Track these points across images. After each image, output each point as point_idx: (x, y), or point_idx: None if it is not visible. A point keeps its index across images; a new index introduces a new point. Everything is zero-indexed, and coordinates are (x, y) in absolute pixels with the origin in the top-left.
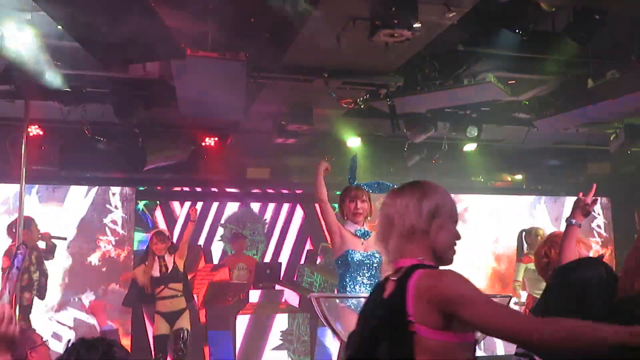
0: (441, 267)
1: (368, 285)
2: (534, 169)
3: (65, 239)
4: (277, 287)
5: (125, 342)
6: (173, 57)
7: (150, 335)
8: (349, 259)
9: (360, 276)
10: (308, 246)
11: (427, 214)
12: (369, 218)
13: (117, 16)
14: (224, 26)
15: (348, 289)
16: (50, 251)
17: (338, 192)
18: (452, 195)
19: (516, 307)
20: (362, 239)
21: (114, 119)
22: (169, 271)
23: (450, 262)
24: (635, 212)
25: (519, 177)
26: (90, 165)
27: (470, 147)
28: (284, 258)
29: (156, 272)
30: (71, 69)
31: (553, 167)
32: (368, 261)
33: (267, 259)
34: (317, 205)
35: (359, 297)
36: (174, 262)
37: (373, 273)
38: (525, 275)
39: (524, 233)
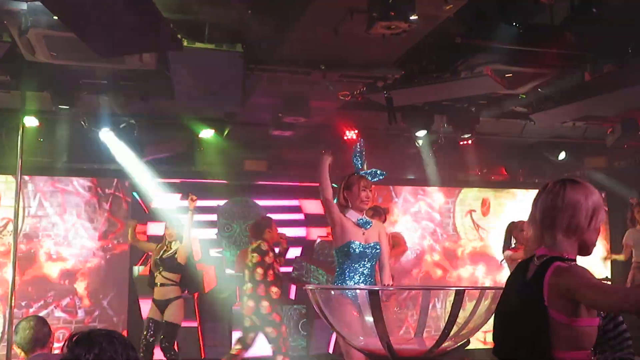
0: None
1: (368, 276)
2: (531, 162)
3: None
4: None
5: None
6: (170, 48)
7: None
8: (350, 249)
9: (360, 267)
10: (304, 238)
11: (590, 212)
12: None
13: (113, 7)
14: (221, 17)
15: (347, 279)
16: (283, 253)
17: (334, 185)
18: (447, 189)
19: None
20: (363, 229)
21: (110, 110)
22: (164, 257)
23: (589, 254)
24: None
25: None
26: (87, 157)
27: (467, 140)
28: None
29: (157, 255)
30: (67, 60)
31: (550, 161)
32: (369, 252)
33: None
34: (319, 201)
35: (355, 289)
36: (176, 251)
37: (373, 264)
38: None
39: (511, 224)
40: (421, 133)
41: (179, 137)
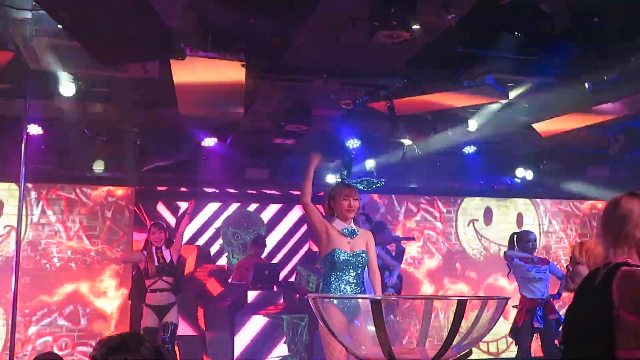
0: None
1: (353, 285)
2: (534, 171)
3: (414, 239)
4: (276, 288)
5: None
6: (173, 57)
7: None
8: (335, 258)
9: (345, 275)
10: (307, 247)
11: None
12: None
13: (117, 16)
14: (224, 26)
15: (333, 287)
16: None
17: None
18: (449, 198)
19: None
20: (348, 238)
21: (113, 118)
22: (166, 263)
23: None
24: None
25: (517, 179)
26: (90, 165)
27: (469, 149)
28: (283, 259)
29: (154, 264)
30: (71, 68)
31: (552, 170)
32: (354, 260)
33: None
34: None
35: (357, 298)
36: (171, 255)
37: (359, 272)
38: (515, 273)
39: (515, 236)
40: (423, 142)
41: (182, 146)
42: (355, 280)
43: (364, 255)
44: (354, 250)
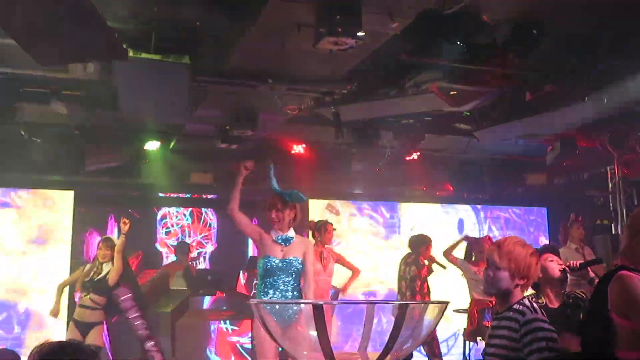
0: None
1: (284, 291)
2: (474, 178)
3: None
4: (218, 293)
5: None
6: (115, 58)
7: None
8: (267, 264)
9: (278, 280)
10: (250, 252)
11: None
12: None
13: (57, 15)
14: (169, 28)
15: (263, 293)
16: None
17: None
18: (394, 204)
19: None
20: (282, 245)
21: (52, 120)
22: (95, 279)
23: None
24: (560, 224)
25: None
26: (27, 168)
27: (412, 156)
28: (226, 264)
29: (87, 277)
30: (8, 68)
31: (492, 177)
32: (286, 267)
33: (209, 264)
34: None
35: (299, 303)
36: (107, 273)
37: (291, 279)
38: (466, 275)
39: (472, 241)
40: (367, 148)
41: (124, 149)
42: (285, 287)
43: (296, 262)
44: (286, 257)
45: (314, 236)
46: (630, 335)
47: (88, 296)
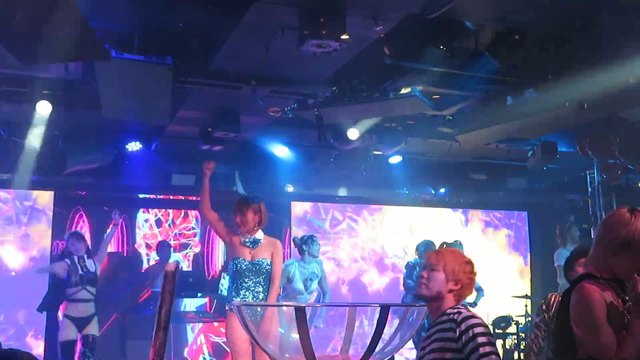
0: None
1: (253, 291)
2: (456, 182)
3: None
4: (200, 295)
5: (39, 348)
6: (97, 57)
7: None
8: (237, 265)
9: (246, 282)
10: None
11: (616, 241)
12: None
13: (38, 14)
14: (151, 29)
15: (234, 293)
16: None
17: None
18: (376, 206)
19: None
20: (250, 248)
21: (32, 120)
22: (90, 272)
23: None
24: (557, 228)
25: (441, 189)
26: (7, 168)
27: (395, 159)
28: (208, 266)
29: (78, 272)
30: None
31: (474, 181)
32: (254, 268)
33: (191, 267)
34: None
35: (280, 305)
36: (95, 265)
37: (259, 280)
38: None
39: (444, 245)
40: (350, 151)
41: (105, 150)
42: (254, 288)
43: (264, 263)
44: (254, 259)
45: (301, 252)
46: (588, 347)
47: (86, 289)
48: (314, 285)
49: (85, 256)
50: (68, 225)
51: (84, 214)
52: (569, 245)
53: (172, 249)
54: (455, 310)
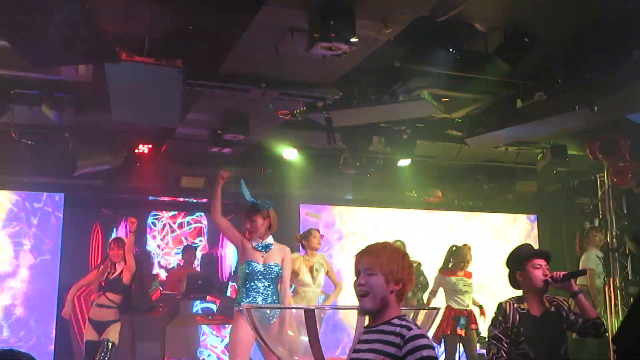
0: None
1: (264, 295)
2: (465, 185)
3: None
4: (209, 298)
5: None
6: (107, 60)
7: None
8: (249, 269)
9: (258, 285)
10: None
11: None
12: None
13: (49, 17)
14: (162, 32)
15: (245, 297)
16: None
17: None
18: (386, 210)
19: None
20: (262, 252)
21: (43, 122)
22: (111, 278)
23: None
24: (577, 234)
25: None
26: (18, 170)
27: (404, 162)
28: (217, 268)
29: (103, 277)
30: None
31: (483, 184)
32: (266, 272)
33: (199, 268)
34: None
35: (287, 308)
36: (122, 272)
37: (270, 284)
38: (444, 287)
39: (453, 248)
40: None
41: (115, 152)
42: (266, 291)
43: (276, 267)
44: (267, 263)
45: (303, 246)
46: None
47: (105, 295)
48: (321, 276)
49: (118, 263)
50: (79, 228)
51: (96, 217)
52: (592, 249)
53: (197, 252)
54: (404, 323)
